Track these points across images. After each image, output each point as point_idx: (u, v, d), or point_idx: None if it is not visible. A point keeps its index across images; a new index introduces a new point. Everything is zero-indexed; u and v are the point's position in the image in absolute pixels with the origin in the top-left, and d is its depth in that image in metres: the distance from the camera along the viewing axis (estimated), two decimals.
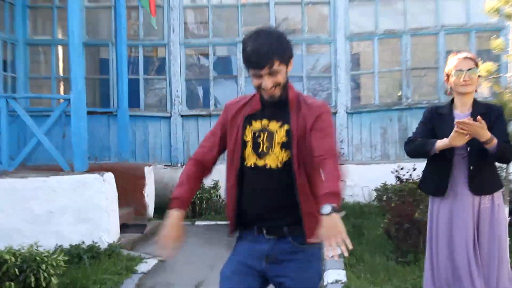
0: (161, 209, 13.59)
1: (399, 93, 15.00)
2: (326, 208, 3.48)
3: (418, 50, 15.15)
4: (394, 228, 9.36)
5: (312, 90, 15.26)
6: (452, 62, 5.66)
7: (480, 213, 5.43)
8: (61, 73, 15.62)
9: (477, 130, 5.13)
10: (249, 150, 3.92)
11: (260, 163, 3.89)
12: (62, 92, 15.29)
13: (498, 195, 5.52)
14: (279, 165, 3.87)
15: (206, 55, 15.66)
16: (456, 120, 5.20)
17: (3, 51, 14.49)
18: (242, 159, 3.95)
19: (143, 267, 9.53)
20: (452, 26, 14.99)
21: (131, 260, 9.78)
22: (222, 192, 14.43)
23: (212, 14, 15.47)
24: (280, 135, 3.89)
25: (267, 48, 3.77)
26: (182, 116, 15.28)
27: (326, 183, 3.70)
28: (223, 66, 15.65)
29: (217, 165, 13.20)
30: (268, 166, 3.88)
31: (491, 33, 13.56)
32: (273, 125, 3.92)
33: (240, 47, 14.89)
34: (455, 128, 5.17)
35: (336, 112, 14.86)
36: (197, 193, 13.85)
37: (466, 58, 5.63)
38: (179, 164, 15.10)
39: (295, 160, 3.87)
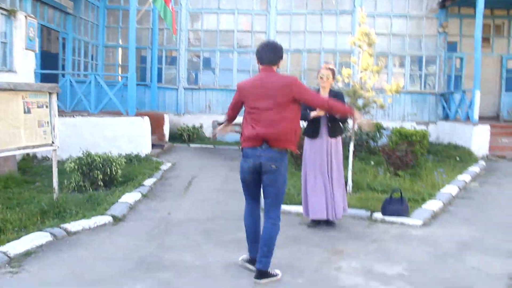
0: (171, 137, 13.79)
1: None
2: None
3: (311, 60, 15.39)
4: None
5: None
6: (321, 70, 5.95)
7: (332, 145, 5.84)
8: (120, 62, 15.62)
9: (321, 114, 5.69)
10: None
11: None
12: (121, 73, 15.33)
13: (339, 138, 5.97)
14: None
15: (198, 56, 15.65)
16: (311, 114, 5.67)
17: (91, 50, 14.54)
18: None
19: (163, 167, 9.67)
20: (327, 49, 15.21)
21: (157, 163, 9.91)
22: (204, 130, 14.77)
23: (203, 34, 15.52)
24: None
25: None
26: (184, 88, 15.33)
27: None
28: (207, 63, 15.74)
29: (202, 115, 13.23)
30: None
31: (348, 54, 14.08)
32: None
33: (218, 54, 15.09)
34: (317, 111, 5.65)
35: None
36: (191, 129, 14.10)
37: (325, 68, 5.91)
38: (182, 114, 15.17)
39: None
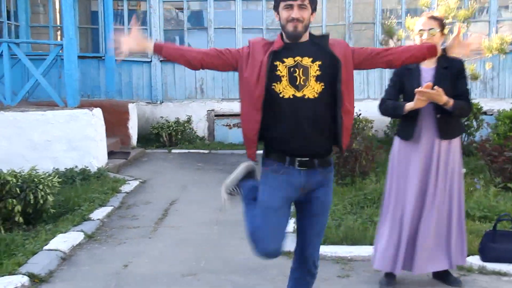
0: (143, 139, 13.74)
1: None
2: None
3: (359, 8, 15.09)
4: (335, 156, 9.43)
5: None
6: (419, 22, 5.44)
7: (441, 153, 5.27)
8: (57, 23, 15.42)
9: (433, 97, 5.01)
10: (284, 83, 3.83)
11: (299, 94, 3.81)
12: (59, 39, 15.10)
13: (457, 141, 5.40)
14: (316, 95, 3.81)
15: (181, 9, 15.48)
16: (415, 90, 5.03)
17: (6, 1, 14.30)
18: (274, 91, 3.84)
19: (126, 188, 9.57)
20: None
21: (116, 181, 9.82)
22: (194, 125, 14.55)
23: None
24: (314, 69, 3.81)
25: None
26: (161, 61, 15.12)
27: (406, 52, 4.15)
28: (196, 19, 15.55)
29: (190, 103, 13.13)
30: (306, 97, 3.81)
31: None
32: (306, 61, 3.82)
33: (211, 4, 14.95)
34: (416, 95, 5.04)
35: None
36: (173, 125, 13.97)
37: (430, 18, 5.36)
38: (158, 102, 15.06)
39: (338, 90, 3.86)
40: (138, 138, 13.45)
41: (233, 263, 6.20)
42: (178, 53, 4.06)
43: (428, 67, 5.34)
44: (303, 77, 3.82)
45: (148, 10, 15.25)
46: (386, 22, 8.74)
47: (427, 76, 5.30)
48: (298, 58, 3.82)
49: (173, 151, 13.31)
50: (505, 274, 5.76)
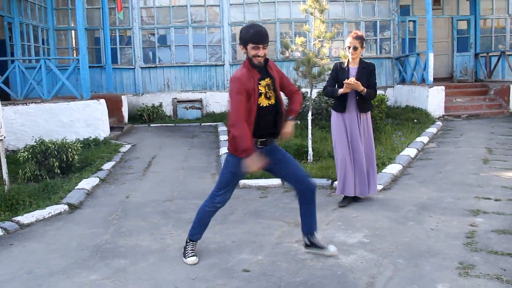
0: (131, 118, 13.55)
1: None
2: (291, 118, 3.91)
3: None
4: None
5: (211, 53, 15.15)
6: (347, 40, 5.38)
7: (362, 121, 5.38)
8: (74, 45, 14.97)
9: (355, 87, 5.15)
10: (262, 97, 3.74)
11: (269, 103, 3.78)
12: (74, 55, 14.70)
13: (369, 114, 5.50)
14: (274, 102, 3.81)
15: (153, 34, 15.16)
16: (344, 81, 5.18)
17: (41, 34, 13.88)
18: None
19: (123, 149, 9.46)
20: (283, 19, 14.92)
21: (116, 145, 9.69)
22: (164, 108, 14.45)
23: (156, 11, 14.99)
24: (271, 84, 3.79)
25: (266, 33, 3.68)
26: (141, 68, 14.85)
27: (295, 105, 3.97)
28: (163, 40, 15.27)
29: (161, 94, 12.88)
30: (272, 103, 3.79)
31: (302, 23, 13.82)
32: (268, 81, 3.78)
33: (172, 30, 14.70)
34: (345, 85, 5.18)
35: (223, 65, 14.84)
36: (151, 109, 13.85)
37: (354, 38, 5.32)
38: (140, 94, 14.76)
39: (279, 96, 3.85)
40: (128, 118, 13.20)
41: (194, 193, 6.28)
42: (250, 136, 3.74)
43: (353, 67, 5.41)
44: (270, 92, 3.82)
45: (132, 35, 14.93)
46: (284, 40, 8.82)
47: (353, 73, 5.38)
48: (266, 80, 3.79)
49: (151, 125, 13.13)
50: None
